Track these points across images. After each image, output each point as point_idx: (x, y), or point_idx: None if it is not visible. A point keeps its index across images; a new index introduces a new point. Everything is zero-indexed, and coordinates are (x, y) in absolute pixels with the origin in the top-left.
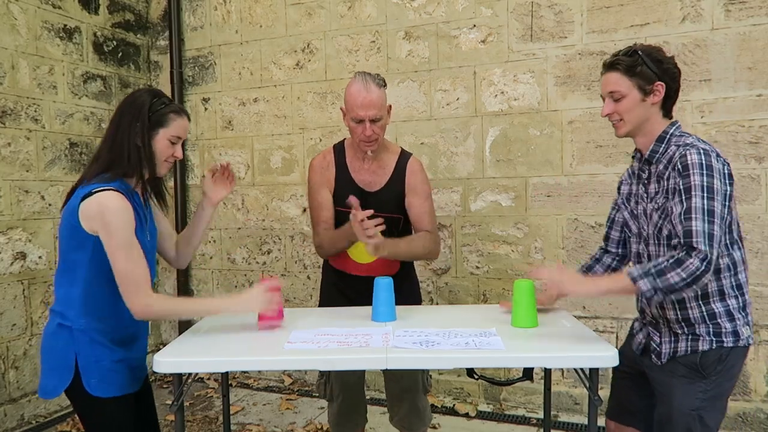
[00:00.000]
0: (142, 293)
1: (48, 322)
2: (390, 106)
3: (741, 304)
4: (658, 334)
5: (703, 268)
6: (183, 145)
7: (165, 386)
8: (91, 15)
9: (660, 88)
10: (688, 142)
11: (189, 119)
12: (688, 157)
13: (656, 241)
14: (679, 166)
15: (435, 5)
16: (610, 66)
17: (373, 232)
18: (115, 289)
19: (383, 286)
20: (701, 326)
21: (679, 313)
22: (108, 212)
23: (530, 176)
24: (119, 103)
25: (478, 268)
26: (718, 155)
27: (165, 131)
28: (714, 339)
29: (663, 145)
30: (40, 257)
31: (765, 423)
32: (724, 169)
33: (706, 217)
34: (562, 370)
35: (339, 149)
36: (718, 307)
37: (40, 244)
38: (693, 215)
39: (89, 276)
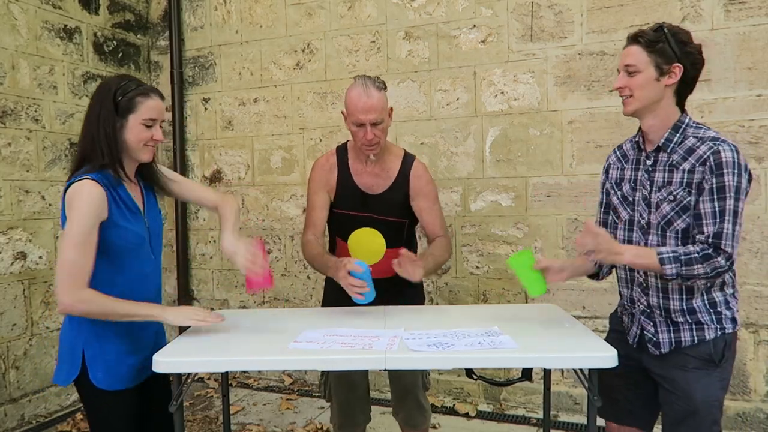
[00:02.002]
0: (78, 286)
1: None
2: (391, 109)
3: (732, 292)
4: (651, 323)
5: (726, 267)
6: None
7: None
8: (92, 15)
9: (677, 70)
10: (712, 135)
11: (162, 98)
12: (722, 155)
13: (659, 232)
14: (712, 163)
15: (435, 5)
16: (632, 39)
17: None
18: (118, 282)
19: (361, 277)
20: (704, 314)
21: (684, 303)
22: (76, 198)
23: (530, 176)
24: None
25: (478, 268)
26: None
27: (135, 116)
28: (717, 326)
29: (678, 135)
30: (40, 257)
31: (765, 423)
32: (747, 167)
33: (734, 219)
34: (561, 370)
35: (342, 151)
36: (718, 296)
37: (40, 244)
38: (726, 217)
39: (93, 272)
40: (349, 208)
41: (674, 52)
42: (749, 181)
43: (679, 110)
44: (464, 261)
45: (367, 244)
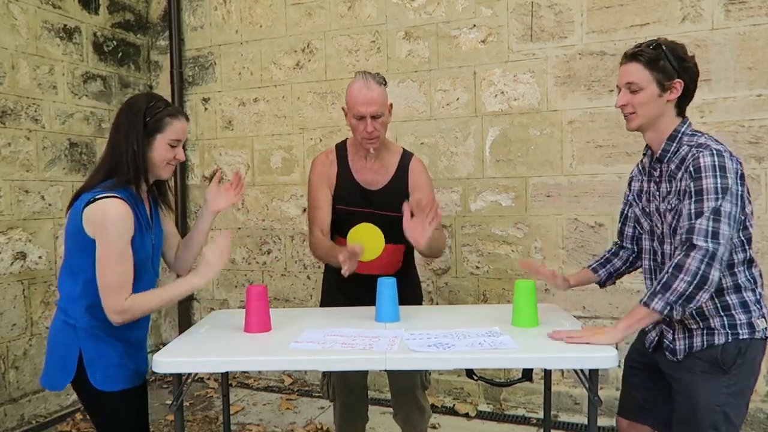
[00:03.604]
0: (123, 296)
1: (54, 316)
2: (391, 105)
3: (756, 297)
4: (671, 331)
5: (704, 266)
6: (184, 146)
7: (165, 386)
8: (91, 15)
9: (678, 85)
10: (701, 142)
11: (187, 120)
12: (701, 160)
13: (670, 240)
14: (692, 169)
15: (435, 5)
16: (631, 57)
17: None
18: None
19: (387, 286)
20: (715, 319)
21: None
22: (108, 220)
23: (530, 176)
24: (119, 108)
25: (478, 268)
26: (731, 155)
27: (162, 136)
28: (729, 332)
29: (674, 144)
30: (40, 257)
31: (765, 423)
32: (736, 169)
33: (712, 216)
34: (562, 370)
35: (341, 148)
36: (732, 299)
37: (40, 244)
38: (705, 214)
39: (91, 278)
40: (349, 204)
41: (674, 68)
42: (740, 183)
43: (677, 119)
44: (464, 261)
45: (367, 239)
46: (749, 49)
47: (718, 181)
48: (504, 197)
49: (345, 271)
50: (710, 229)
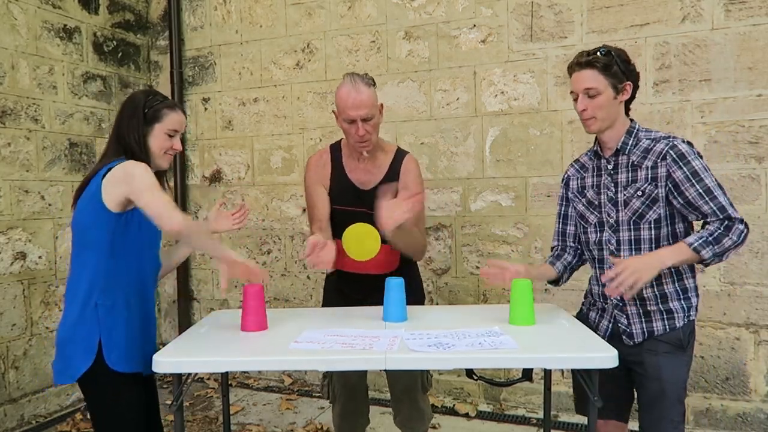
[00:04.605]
0: (175, 212)
1: (63, 316)
2: (382, 105)
3: (695, 284)
4: (624, 315)
5: (746, 229)
6: (183, 146)
7: (165, 386)
8: (91, 15)
9: (628, 87)
10: (663, 135)
11: (184, 114)
12: (679, 147)
13: (631, 227)
14: (674, 156)
15: (435, 5)
16: (586, 64)
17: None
18: (131, 265)
19: (394, 286)
20: (675, 302)
21: (656, 288)
22: (135, 169)
23: (530, 176)
24: (121, 103)
25: (478, 268)
26: None
27: (161, 126)
28: (685, 314)
29: (632, 138)
30: (40, 257)
31: (765, 423)
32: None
33: (721, 191)
34: (561, 370)
35: (335, 148)
36: (689, 282)
37: (40, 244)
38: (714, 193)
39: (108, 253)
40: (343, 204)
41: (623, 71)
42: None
43: (627, 118)
44: (464, 261)
45: (362, 240)
46: (749, 49)
47: (702, 161)
48: (504, 197)
49: (313, 266)
50: (729, 201)
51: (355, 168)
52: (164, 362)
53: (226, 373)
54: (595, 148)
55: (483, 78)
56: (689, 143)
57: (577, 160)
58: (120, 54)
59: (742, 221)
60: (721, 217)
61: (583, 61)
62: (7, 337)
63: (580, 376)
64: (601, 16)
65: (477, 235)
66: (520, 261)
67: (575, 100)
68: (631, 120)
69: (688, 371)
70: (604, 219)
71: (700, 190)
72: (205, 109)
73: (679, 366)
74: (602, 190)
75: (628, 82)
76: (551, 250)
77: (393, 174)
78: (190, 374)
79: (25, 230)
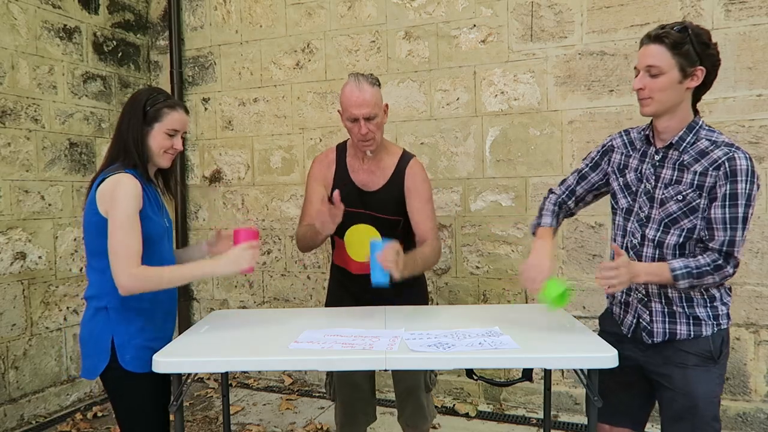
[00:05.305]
0: (132, 264)
1: (85, 310)
2: (386, 105)
3: (727, 289)
4: (647, 311)
5: (732, 273)
6: (184, 146)
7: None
8: (91, 15)
9: (700, 73)
10: (726, 141)
11: (186, 112)
12: (738, 162)
13: (663, 228)
14: (728, 170)
15: (435, 5)
16: (655, 38)
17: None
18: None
19: (378, 248)
20: (701, 309)
21: (682, 290)
22: (117, 191)
23: (530, 176)
24: (124, 102)
25: (478, 268)
26: None
27: (160, 125)
28: (714, 323)
29: (692, 135)
30: (40, 257)
31: (765, 423)
32: (758, 176)
33: (744, 226)
34: (562, 370)
35: (341, 149)
36: (715, 292)
37: (40, 244)
38: (738, 225)
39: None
40: (346, 205)
41: (697, 54)
42: (758, 188)
43: (693, 112)
44: (464, 261)
45: (365, 241)
46: (749, 49)
47: (749, 186)
48: (504, 197)
49: (324, 225)
50: (742, 240)
51: (358, 169)
52: (164, 362)
53: (226, 373)
54: (647, 131)
55: (483, 78)
56: (750, 159)
57: (627, 133)
58: (120, 54)
59: (736, 265)
60: (723, 251)
61: (653, 34)
62: (7, 337)
63: (580, 376)
64: (601, 16)
65: (477, 235)
66: (520, 261)
67: (636, 76)
68: (696, 112)
69: (722, 385)
70: (636, 210)
71: (727, 216)
72: (205, 109)
73: (711, 380)
74: (642, 179)
75: (701, 67)
76: (549, 194)
77: (397, 177)
78: (190, 374)
79: (25, 230)
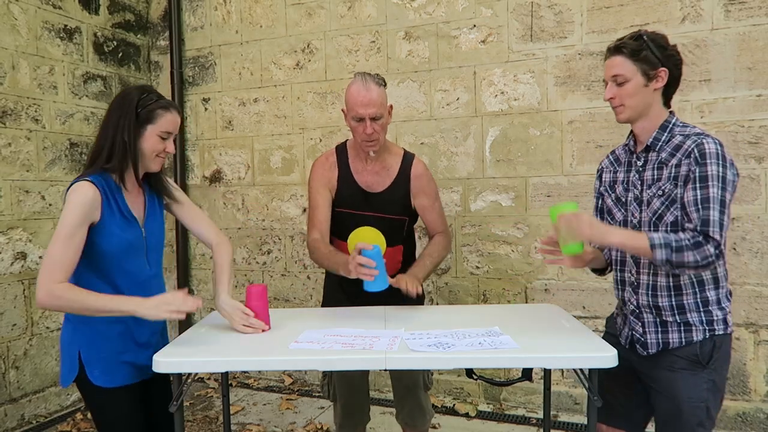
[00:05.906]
0: (54, 280)
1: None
2: (391, 106)
3: (726, 292)
4: (639, 323)
5: (715, 255)
6: (175, 141)
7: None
8: (92, 15)
9: (663, 74)
10: (697, 131)
11: (179, 113)
12: (706, 146)
13: (652, 228)
14: (697, 154)
15: (435, 5)
16: (614, 50)
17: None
18: (108, 282)
19: (371, 256)
20: (693, 314)
21: (673, 299)
22: (68, 201)
23: (530, 176)
24: (112, 99)
25: (478, 268)
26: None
27: (153, 128)
28: (707, 328)
29: (666, 134)
30: (40, 257)
31: (765, 423)
32: (731, 160)
33: (720, 208)
34: (561, 370)
35: (341, 150)
36: (711, 294)
37: (40, 244)
38: (711, 205)
39: (81, 269)
40: (350, 207)
41: (657, 57)
42: (736, 175)
43: (666, 110)
44: (464, 261)
45: (368, 242)
46: (749, 49)
47: (721, 169)
48: (504, 197)
49: (350, 273)
50: (720, 221)
51: (362, 170)
52: (164, 362)
53: (226, 373)
54: (628, 141)
55: (483, 78)
56: (720, 144)
57: (613, 152)
58: (120, 54)
59: (717, 246)
60: (699, 230)
61: (612, 47)
62: (7, 337)
63: (580, 376)
64: (601, 16)
65: (477, 235)
66: (520, 261)
67: (606, 88)
68: (671, 112)
69: (715, 392)
70: (629, 218)
71: (699, 197)
72: (205, 109)
73: (697, 384)
74: (630, 188)
75: (663, 69)
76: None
77: (402, 177)
78: (190, 374)
79: (25, 230)
